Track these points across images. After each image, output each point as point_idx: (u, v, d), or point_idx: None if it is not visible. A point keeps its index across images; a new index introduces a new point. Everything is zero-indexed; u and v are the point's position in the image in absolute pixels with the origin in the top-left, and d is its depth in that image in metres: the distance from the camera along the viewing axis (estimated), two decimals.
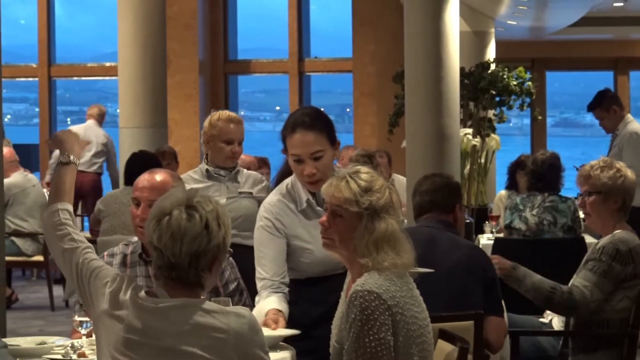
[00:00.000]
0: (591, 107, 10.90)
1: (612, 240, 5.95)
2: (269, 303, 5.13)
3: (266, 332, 4.57)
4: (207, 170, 7.22)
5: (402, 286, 4.35)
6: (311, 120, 5.12)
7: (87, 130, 14.62)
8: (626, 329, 6.03)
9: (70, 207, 4.38)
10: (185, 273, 3.92)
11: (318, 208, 5.22)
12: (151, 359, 3.88)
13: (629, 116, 10.94)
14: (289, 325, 5.10)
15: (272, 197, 5.49)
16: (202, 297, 4.02)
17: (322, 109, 5.39)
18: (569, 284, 6.02)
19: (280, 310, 5.13)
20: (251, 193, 7.27)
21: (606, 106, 10.75)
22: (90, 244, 4.27)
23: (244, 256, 6.56)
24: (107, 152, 14.84)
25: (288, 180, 5.44)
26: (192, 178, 7.20)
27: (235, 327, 3.88)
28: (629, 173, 6.19)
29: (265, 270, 5.33)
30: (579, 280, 5.95)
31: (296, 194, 5.35)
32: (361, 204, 4.41)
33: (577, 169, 9.71)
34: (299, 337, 4.99)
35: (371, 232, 4.37)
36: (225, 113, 7.45)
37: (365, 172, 4.51)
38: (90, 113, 15.04)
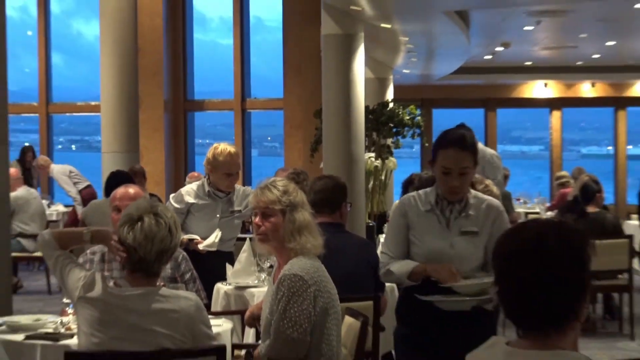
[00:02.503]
0: None
1: None
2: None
3: None
4: (208, 191, 6.94)
5: (319, 268, 4.48)
6: (462, 141, 4.62)
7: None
8: None
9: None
10: (151, 266, 3.99)
11: (438, 212, 4.61)
12: (121, 333, 3.89)
13: (480, 143, 11.16)
14: None
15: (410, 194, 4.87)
16: (157, 284, 4.08)
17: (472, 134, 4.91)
18: None
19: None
20: (240, 211, 7.03)
21: None
22: (68, 253, 4.22)
23: (221, 259, 6.58)
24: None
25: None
26: (195, 192, 6.99)
27: (185, 307, 3.94)
28: (494, 188, 6.27)
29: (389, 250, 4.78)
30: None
31: (425, 196, 4.71)
32: (283, 202, 4.55)
33: None
34: None
35: (293, 222, 4.49)
36: (227, 149, 6.93)
37: (280, 181, 4.69)
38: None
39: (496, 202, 4.70)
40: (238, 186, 7.13)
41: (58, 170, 14.06)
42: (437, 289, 4.37)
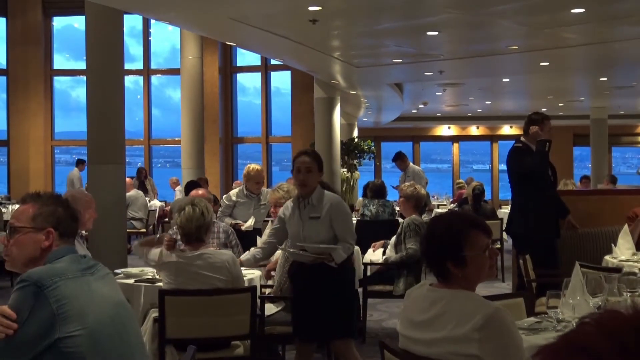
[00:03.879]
0: (395, 159, 11.14)
1: (410, 220, 5.86)
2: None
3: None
4: (246, 193, 6.79)
5: None
6: (308, 151, 4.27)
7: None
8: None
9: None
10: (195, 236, 3.96)
11: (296, 207, 4.18)
12: (187, 279, 3.87)
13: (410, 162, 11.27)
14: None
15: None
16: (206, 246, 4.03)
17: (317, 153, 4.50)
18: (406, 248, 5.72)
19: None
20: (265, 204, 6.81)
21: (401, 158, 11.01)
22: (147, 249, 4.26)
23: (254, 233, 6.56)
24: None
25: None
26: (237, 194, 6.85)
27: (224, 259, 3.93)
28: (422, 190, 6.20)
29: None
30: (410, 245, 5.71)
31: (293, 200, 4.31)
32: (286, 197, 4.66)
33: (393, 187, 9.62)
34: None
35: None
36: (255, 167, 6.78)
37: (284, 185, 4.80)
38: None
39: (334, 196, 4.20)
40: (264, 189, 7.08)
41: (179, 189, 14.11)
42: (296, 247, 4.12)
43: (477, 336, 2.14)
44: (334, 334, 4.14)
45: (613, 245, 5.25)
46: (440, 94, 14.48)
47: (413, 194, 5.99)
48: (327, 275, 4.07)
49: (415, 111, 18.46)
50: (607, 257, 5.15)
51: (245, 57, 17.81)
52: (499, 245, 9.01)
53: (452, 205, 12.96)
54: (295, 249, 4.12)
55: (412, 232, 5.76)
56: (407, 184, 6.32)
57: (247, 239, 6.17)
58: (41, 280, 2.05)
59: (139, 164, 15.60)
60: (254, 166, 6.87)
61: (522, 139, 5.84)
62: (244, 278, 4.54)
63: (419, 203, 6.06)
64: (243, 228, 6.63)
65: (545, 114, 5.89)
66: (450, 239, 2.28)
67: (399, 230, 5.93)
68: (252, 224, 6.69)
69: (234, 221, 6.66)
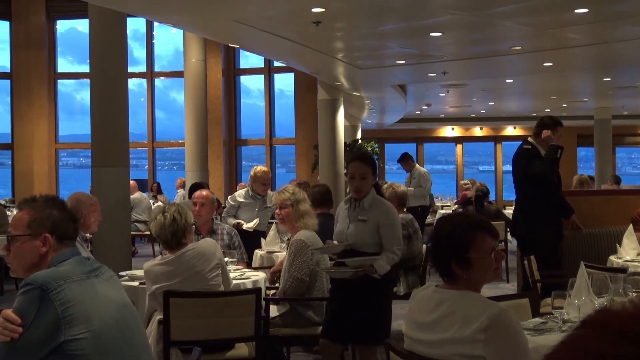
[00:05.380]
0: (400, 160, 11.11)
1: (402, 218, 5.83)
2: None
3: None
4: (251, 194, 6.80)
5: (315, 236, 4.52)
6: (363, 157, 4.17)
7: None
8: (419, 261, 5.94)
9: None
10: (173, 242, 3.93)
11: (348, 208, 4.14)
12: (180, 281, 3.85)
13: (416, 164, 11.17)
14: None
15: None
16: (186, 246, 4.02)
17: (371, 154, 4.26)
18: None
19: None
20: (270, 207, 6.80)
21: (407, 159, 10.98)
22: None
23: (258, 235, 6.54)
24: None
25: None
26: (243, 195, 6.86)
27: (205, 246, 3.96)
28: (401, 187, 6.14)
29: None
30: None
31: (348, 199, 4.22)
32: (291, 199, 4.62)
33: None
34: None
35: (298, 211, 4.55)
36: (262, 169, 6.80)
37: (290, 187, 4.79)
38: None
39: (386, 203, 4.13)
40: (269, 191, 7.07)
41: (182, 193, 14.04)
42: (335, 263, 4.06)
43: (483, 337, 2.14)
44: (364, 339, 4.10)
45: (618, 245, 5.24)
46: (443, 95, 14.46)
47: (392, 195, 5.94)
48: (369, 282, 3.99)
49: (419, 112, 18.43)
50: (612, 258, 5.13)
51: (249, 59, 17.83)
52: (503, 247, 9.00)
53: (455, 206, 12.94)
54: (331, 266, 4.04)
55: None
56: (385, 185, 6.25)
57: (249, 239, 6.18)
58: (46, 284, 2.05)
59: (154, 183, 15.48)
60: (261, 168, 6.89)
61: (529, 139, 5.74)
62: (249, 280, 4.55)
63: (403, 201, 6.03)
64: (244, 227, 6.62)
65: (559, 120, 5.80)
66: (456, 241, 2.28)
67: None
68: (255, 225, 6.69)
69: (235, 221, 6.66)
